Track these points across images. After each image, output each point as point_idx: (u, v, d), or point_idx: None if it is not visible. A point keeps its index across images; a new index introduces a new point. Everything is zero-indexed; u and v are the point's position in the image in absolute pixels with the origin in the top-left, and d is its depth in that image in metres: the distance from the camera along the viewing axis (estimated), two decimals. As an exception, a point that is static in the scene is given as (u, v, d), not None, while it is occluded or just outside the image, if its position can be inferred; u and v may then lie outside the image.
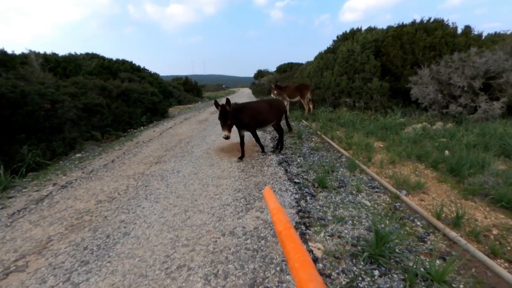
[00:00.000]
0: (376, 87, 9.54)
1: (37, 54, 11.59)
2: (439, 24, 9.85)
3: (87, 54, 16.98)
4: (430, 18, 10.24)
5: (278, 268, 2.26)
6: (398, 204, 3.35)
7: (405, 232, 2.77)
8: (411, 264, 2.27)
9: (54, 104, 6.68)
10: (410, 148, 5.17)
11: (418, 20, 10.46)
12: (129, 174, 4.93)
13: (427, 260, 2.29)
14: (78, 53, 16.71)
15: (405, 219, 3.02)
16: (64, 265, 2.50)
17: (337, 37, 13.78)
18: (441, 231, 2.70)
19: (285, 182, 4.14)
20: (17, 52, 11.86)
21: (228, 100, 4.50)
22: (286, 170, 4.65)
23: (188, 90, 27.09)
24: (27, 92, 6.16)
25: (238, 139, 5.59)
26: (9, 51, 10.64)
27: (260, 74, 48.34)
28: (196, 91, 29.47)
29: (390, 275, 2.17)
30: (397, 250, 2.44)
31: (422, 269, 2.17)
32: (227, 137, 4.57)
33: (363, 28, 12.99)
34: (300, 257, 0.52)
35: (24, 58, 11.07)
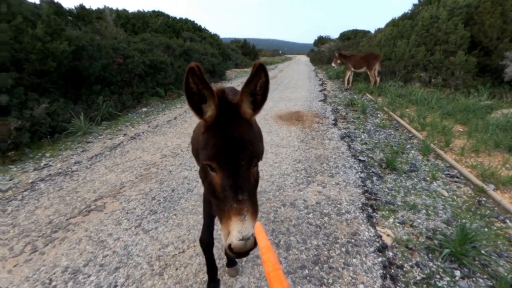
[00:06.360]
0: (460, 62, 8.23)
1: (111, 10, 12.21)
2: (560, -14, 7.87)
3: (153, 11, 17.47)
4: (548, -22, 8.22)
5: (343, 249, 2.14)
6: (484, 199, 2.91)
7: (493, 232, 2.40)
8: (501, 270, 1.97)
9: (125, 59, 7.05)
10: (499, 136, 4.43)
11: (531, -19, 8.47)
12: (190, 133, 5.07)
13: (524, 270, 1.95)
14: (145, 11, 17.28)
15: (492, 217, 2.62)
16: (135, 211, 2.69)
17: (419, 0, 12.00)
18: (542, 238, 2.28)
19: (348, 158, 3.88)
20: (94, 7, 12.64)
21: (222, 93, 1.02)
22: (349, 146, 4.35)
23: (245, 53, 26.77)
24: (103, 46, 6.55)
25: (298, 107, 4.79)
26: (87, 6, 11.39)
27: (320, 40, 45.20)
28: (253, 55, 29.02)
29: (474, 279, 1.91)
30: (483, 252, 2.13)
31: (517, 279, 1.86)
32: None
33: (454, -10, 11.03)
34: None
35: (99, 14, 11.78)
